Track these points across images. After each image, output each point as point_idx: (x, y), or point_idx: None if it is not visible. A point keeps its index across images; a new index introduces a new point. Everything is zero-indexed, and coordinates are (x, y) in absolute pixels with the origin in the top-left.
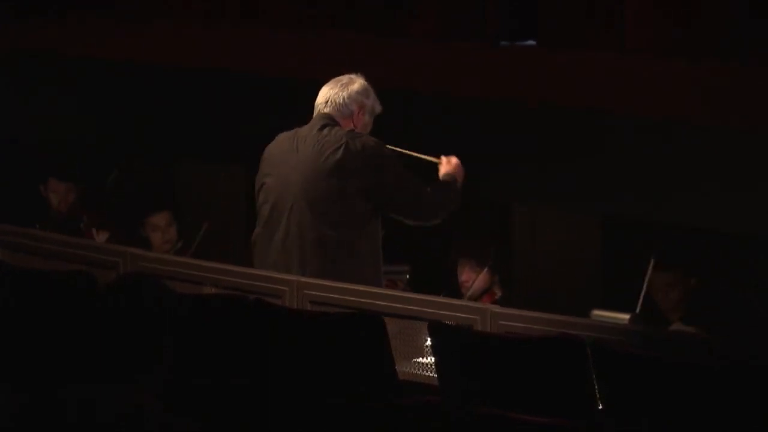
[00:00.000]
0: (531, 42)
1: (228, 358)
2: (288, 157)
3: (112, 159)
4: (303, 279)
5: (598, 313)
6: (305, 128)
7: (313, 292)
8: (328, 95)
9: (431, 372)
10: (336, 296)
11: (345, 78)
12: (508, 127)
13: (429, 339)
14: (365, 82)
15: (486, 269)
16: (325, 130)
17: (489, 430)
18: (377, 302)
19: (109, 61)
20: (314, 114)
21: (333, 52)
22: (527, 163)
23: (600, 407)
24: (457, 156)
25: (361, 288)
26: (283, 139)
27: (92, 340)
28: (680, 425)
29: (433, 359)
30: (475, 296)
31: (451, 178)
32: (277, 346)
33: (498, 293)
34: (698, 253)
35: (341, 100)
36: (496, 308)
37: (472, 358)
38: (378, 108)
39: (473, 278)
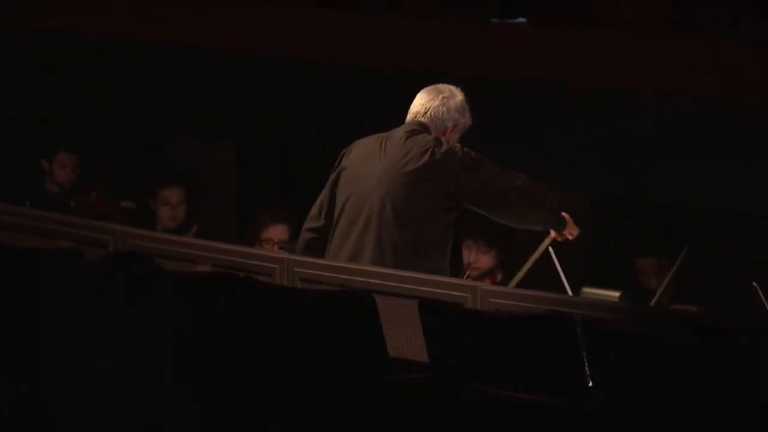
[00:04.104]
0: (522, 20)
1: (218, 334)
2: (373, 157)
3: (111, 136)
4: (292, 256)
5: (588, 291)
6: (396, 132)
7: (304, 270)
8: (428, 106)
9: (422, 349)
10: (326, 274)
11: (446, 90)
12: (498, 105)
13: (419, 316)
14: (463, 98)
15: (495, 251)
16: (413, 138)
17: (479, 407)
18: (368, 280)
19: (104, 40)
20: (408, 117)
21: (325, 30)
22: (517, 141)
23: (590, 384)
24: None
25: (351, 266)
26: (372, 139)
27: (81, 318)
28: (670, 402)
29: (423, 337)
30: (477, 277)
31: (560, 215)
32: (267, 324)
33: (499, 275)
34: (689, 231)
35: (440, 114)
36: (487, 286)
37: (463, 336)
38: (468, 123)
39: (481, 259)
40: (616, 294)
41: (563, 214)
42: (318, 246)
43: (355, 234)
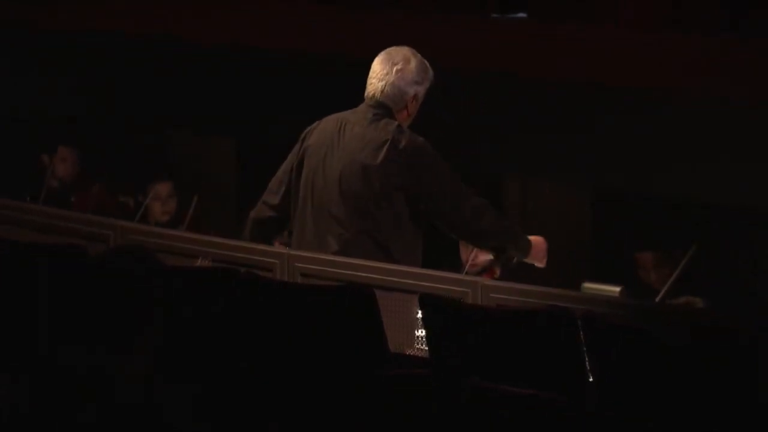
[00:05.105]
0: (522, 14)
1: (218, 330)
2: (333, 142)
3: (111, 134)
4: (293, 252)
5: (589, 286)
6: (356, 113)
7: (304, 265)
8: (384, 82)
9: (422, 345)
10: (327, 269)
11: (399, 59)
12: (500, 99)
13: (420, 311)
14: (420, 61)
15: None
16: (374, 124)
17: (479, 402)
18: (368, 275)
19: (104, 38)
20: (366, 93)
21: (326, 28)
22: (518, 135)
23: (590, 380)
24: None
25: (352, 260)
26: (332, 121)
27: (83, 313)
28: (671, 398)
29: (423, 332)
30: (476, 273)
31: (523, 238)
32: (267, 319)
33: (498, 271)
34: (689, 226)
35: (397, 89)
36: (487, 281)
37: (463, 331)
38: (429, 84)
39: (479, 255)
40: (617, 289)
41: (531, 238)
42: (270, 225)
43: (320, 228)
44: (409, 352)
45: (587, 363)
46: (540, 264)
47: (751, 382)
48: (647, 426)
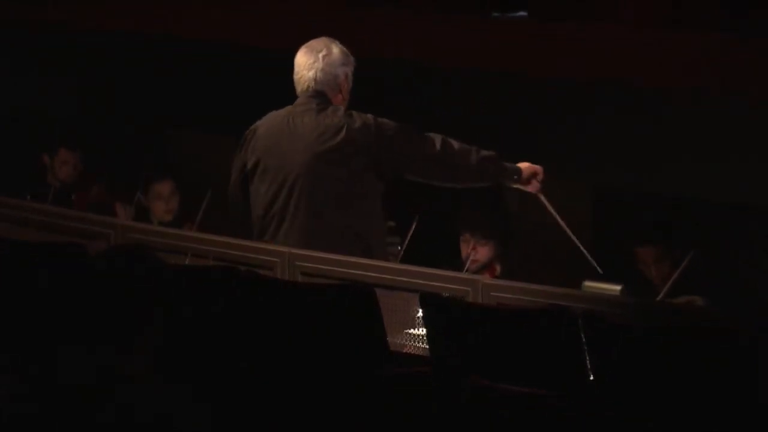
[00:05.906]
0: (522, 13)
1: (218, 328)
2: (284, 139)
3: (111, 134)
4: (294, 250)
5: (590, 285)
6: (299, 108)
7: (305, 264)
8: (313, 70)
9: (423, 343)
10: (327, 267)
11: (321, 47)
12: (500, 99)
13: (420, 310)
14: (340, 46)
15: (493, 242)
16: (323, 113)
17: (479, 402)
18: (369, 273)
19: (104, 37)
20: (300, 89)
21: (325, 26)
22: (518, 135)
23: (591, 378)
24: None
25: (353, 259)
26: (276, 119)
27: (83, 312)
28: (671, 397)
29: (424, 330)
30: (477, 270)
31: (511, 166)
32: (267, 318)
33: (498, 267)
34: (689, 224)
35: (328, 74)
36: (488, 280)
37: (464, 330)
38: (354, 64)
39: (479, 251)
40: (617, 288)
41: (519, 165)
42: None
43: (294, 227)
44: (409, 351)
45: (588, 362)
46: (533, 189)
47: (751, 382)
48: (647, 426)
